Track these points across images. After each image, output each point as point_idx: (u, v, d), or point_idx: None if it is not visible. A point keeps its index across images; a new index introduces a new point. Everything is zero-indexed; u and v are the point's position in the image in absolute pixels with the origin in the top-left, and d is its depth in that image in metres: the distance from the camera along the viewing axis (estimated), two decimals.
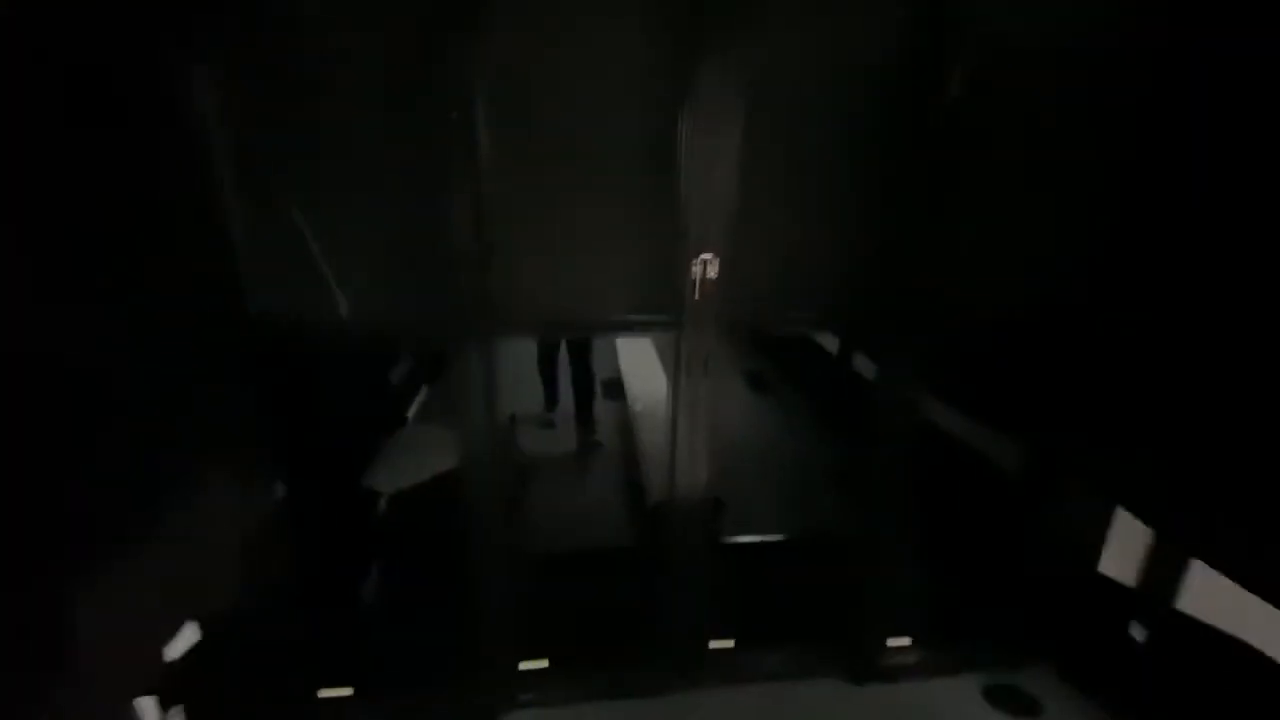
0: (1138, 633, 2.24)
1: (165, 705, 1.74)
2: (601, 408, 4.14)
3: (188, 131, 1.69)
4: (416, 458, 2.77)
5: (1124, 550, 2.28)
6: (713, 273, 1.92)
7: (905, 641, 2.46)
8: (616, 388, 4.51)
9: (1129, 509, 2.18)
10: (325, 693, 2.21)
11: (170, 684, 1.76)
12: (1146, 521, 2.13)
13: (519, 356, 4.06)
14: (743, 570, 2.54)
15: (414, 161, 1.74)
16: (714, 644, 2.40)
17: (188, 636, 1.87)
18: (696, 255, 1.89)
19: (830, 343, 4.57)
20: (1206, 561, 1.92)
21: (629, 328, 2.05)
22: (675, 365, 2.01)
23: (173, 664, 1.80)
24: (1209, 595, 2.03)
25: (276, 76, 1.69)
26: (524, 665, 2.32)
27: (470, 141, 1.72)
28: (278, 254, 1.82)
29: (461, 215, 1.77)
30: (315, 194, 1.79)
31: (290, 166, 1.77)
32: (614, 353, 4.90)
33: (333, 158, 1.77)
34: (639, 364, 4.70)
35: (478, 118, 1.72)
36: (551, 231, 1.90)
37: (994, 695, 2.38)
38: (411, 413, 3.95)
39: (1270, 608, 1.69)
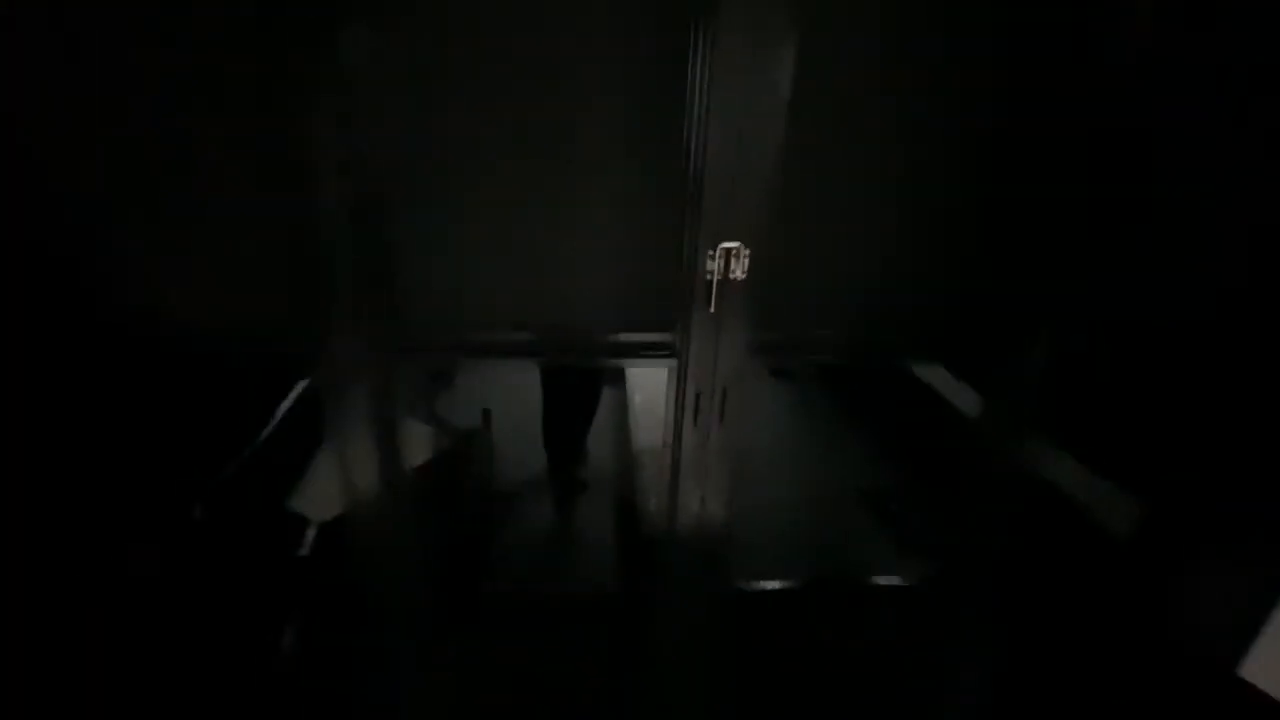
0: None
1: None
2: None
3: None
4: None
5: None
6: (739, 270, 1.28)
7: None
8: (615, 373, 3.90)
9: None
10: None
11: None
12: None
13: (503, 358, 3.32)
14: (755, 634, 2.04)
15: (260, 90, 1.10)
16: None
17: None
18: (715, 244, 1.26)
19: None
20: None
21: (608, 353, 1.41)
22: (678, 406, 1.38)
23: None
24: None
25: None
26: None
27: (334, 53, 1.06)
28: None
29: (327, 180, 1.12)
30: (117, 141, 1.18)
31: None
32: None
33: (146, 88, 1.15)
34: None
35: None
36: (479, 205, 1.27)
37: None
38: None
39: None
